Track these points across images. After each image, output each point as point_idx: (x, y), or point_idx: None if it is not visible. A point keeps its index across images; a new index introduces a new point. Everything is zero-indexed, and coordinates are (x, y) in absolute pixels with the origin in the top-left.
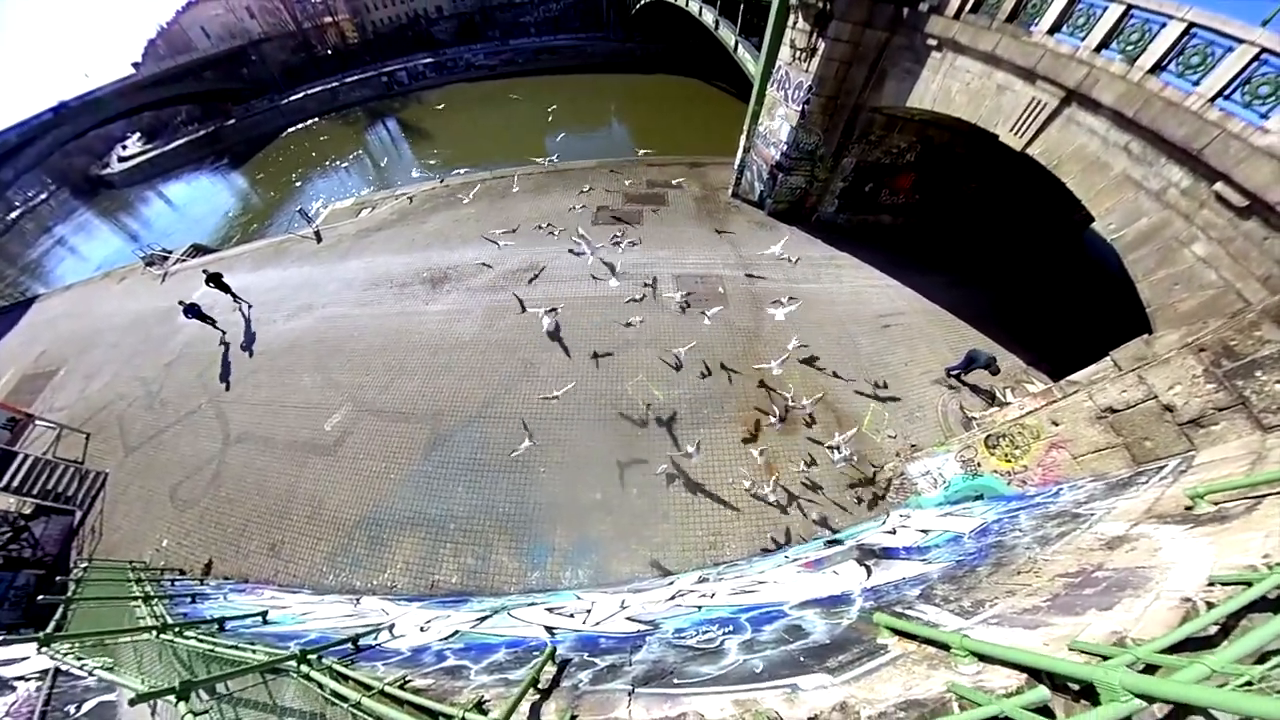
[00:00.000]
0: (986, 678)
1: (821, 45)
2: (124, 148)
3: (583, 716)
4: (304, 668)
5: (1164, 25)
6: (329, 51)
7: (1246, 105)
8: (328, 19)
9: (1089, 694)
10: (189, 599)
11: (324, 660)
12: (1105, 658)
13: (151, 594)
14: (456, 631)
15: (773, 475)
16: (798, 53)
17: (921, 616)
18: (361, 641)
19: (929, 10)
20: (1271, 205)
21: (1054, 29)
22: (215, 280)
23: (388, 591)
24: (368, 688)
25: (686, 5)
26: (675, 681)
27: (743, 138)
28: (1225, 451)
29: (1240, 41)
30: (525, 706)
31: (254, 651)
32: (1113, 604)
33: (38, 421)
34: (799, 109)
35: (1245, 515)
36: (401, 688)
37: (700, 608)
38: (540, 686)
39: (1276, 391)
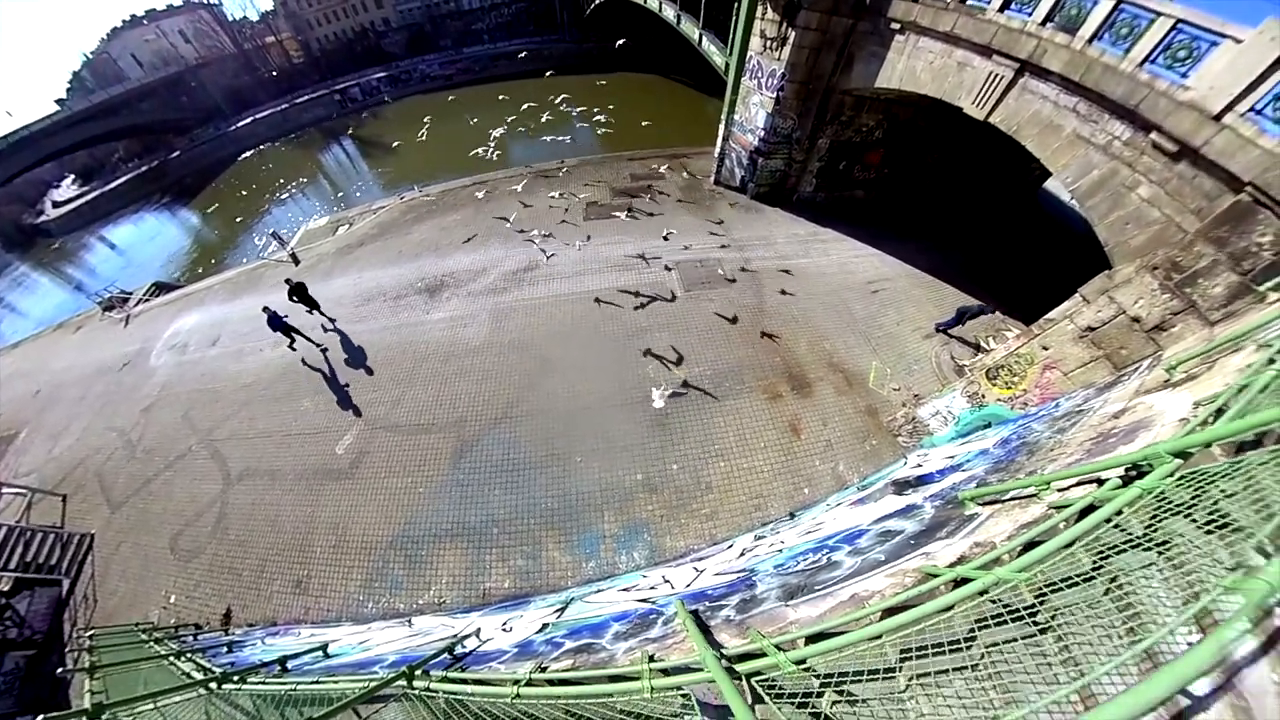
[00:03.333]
0: (1070, 495)
1: (791, 34)
2: (57, 191)
3: (763, 629)
4: (418, 683)
5: (1096, 2)
6: (274, 72)
7: (1169, 67)
8: (269, 38)
9: (1140, 477)
10: (225, 649)
11: (431, 673)
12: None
13: (182, 650)
14: (546, 625)
15: (798, 434)
16: (768, 42)
17: None
18: (457, 650)
19: None
20: (1197, 149)
21: (1005, 5)
22: (298, 292)
23: (438, 608)
24: (490, 684)
25: (645, 2)
26: (816, 588)
27: (721, 126)
28: (1184, 346)
29: (1159, 14)
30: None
31: (335, 683)
32: (1133, 440)
33: (5, 489)
34: (773, 95)
35: (1208, 372)
36: (542, 673)
37: (780, 551)
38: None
39: (1216, 294)
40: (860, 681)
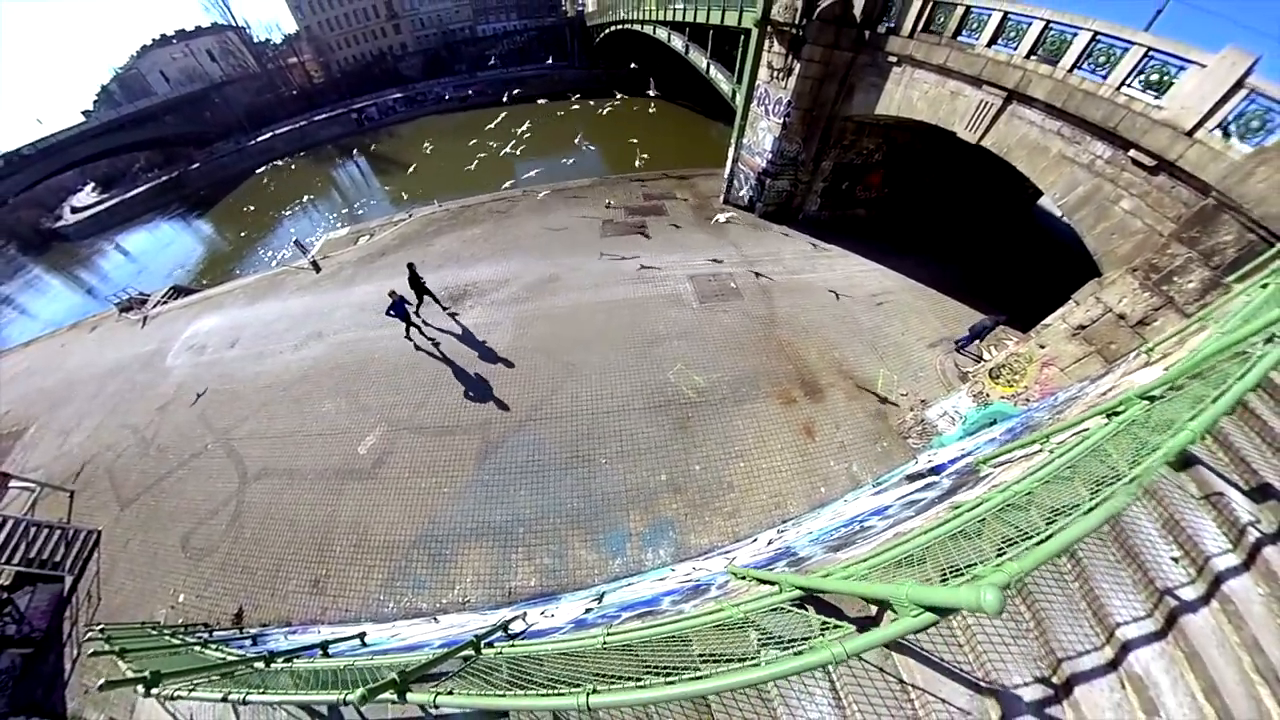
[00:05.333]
0: (1066, 441)
1: (797, 66)
2: (76, 198)
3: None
4: (486, 652)
5: (1076, 34)
6: (294, 91)
7: (1144, 90)
8: (292, 59)
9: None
10: (250, 641)
11: (495, 644)
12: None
13: (206, 641)
14: (589, 609)
15: (812, 437)
16: (775, 73)
17: None
18: (511, 628)
19: (887, 32)
20: (1172, 162)
21: (992, 41)
22: (416, 279)
23: (462, 607)
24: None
25: (654, 32)
26: (859, 542)
27: (730, 149)
28: (1164, 336)
29: (1131, 43)
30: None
31: (388, 659)
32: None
33: (13, 484)
34: (780, 121)
35: (1179, 348)
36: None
37: (810, 533)
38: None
39: (1190, 289)
40: None
